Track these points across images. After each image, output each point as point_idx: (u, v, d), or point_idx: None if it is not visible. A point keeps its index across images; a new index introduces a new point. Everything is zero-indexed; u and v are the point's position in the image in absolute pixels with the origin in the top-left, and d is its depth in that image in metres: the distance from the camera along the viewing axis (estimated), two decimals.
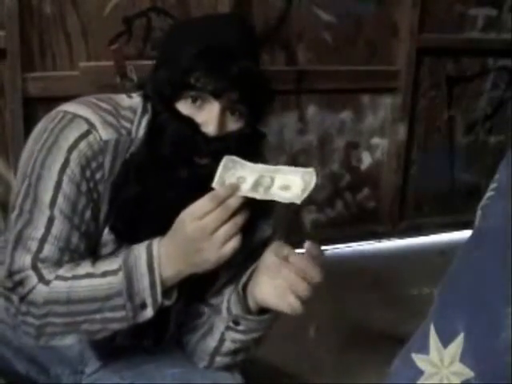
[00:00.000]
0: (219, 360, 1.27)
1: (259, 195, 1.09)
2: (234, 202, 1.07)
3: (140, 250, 1.13)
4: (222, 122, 1.13)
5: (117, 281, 1.11)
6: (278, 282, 1.11)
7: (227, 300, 1.21)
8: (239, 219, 1.08)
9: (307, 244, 1.12)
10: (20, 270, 1.14)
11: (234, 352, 1.25)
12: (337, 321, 2.61)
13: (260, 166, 1.12)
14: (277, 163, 1.16)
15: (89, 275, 1.13)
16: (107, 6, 2.53)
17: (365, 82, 3.12)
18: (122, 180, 1.16)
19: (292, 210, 2.94)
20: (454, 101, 3.39)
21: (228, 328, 1.21)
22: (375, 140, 3.25)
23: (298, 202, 1.08)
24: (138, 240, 1.16)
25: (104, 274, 1.12)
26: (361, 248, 3.31)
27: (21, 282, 1.13)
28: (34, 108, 2.49)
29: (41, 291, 1.12)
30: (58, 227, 1.13)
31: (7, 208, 1.28)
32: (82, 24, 2.51)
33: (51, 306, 1.13)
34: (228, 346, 1.23)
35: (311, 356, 2.38)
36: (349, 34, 3.03)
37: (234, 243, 1.08)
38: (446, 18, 3.23)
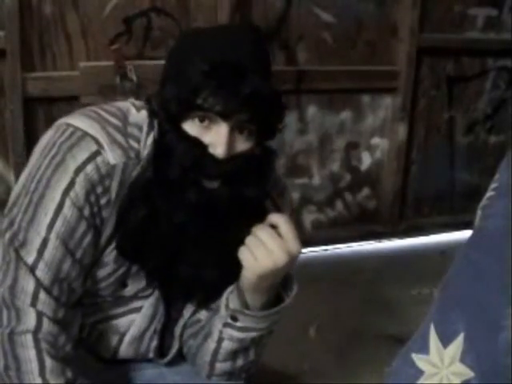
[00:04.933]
0: (219, 367, 1.25)
1: None
2: None
3: None
4: (230, 143, 1.09)
5: None
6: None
7: (226, 297, 1.20)
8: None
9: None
10: (22, 292, 1.09)
11: (233, 355, 1.23)
12: (337, 321, 2.61)
13: None
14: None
15: None
16: (107, 5, 2.54)
17: (365, 81, 3.13)
18: (129, 202, 1.13)
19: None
20: (454, 101, 3.39)
21: (226, 325, 1.20)
22: (375, 140, 3.25)
23: None
24: (145, 261, 1.16)
25: None
26: (361, 248, 3.31)
27: (16, 311, 1.08)
28: (34, 108, 2.50)
29: (27, 340, 1.07)
30: (51, 252, 1.10)
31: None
32: (82, 24, 2.51)
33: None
34: (226, 346, 1.21)
35: (311, 356, 2.38)
36: (349, 34, 3.04)
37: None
38: (445, 18, 3.23)
